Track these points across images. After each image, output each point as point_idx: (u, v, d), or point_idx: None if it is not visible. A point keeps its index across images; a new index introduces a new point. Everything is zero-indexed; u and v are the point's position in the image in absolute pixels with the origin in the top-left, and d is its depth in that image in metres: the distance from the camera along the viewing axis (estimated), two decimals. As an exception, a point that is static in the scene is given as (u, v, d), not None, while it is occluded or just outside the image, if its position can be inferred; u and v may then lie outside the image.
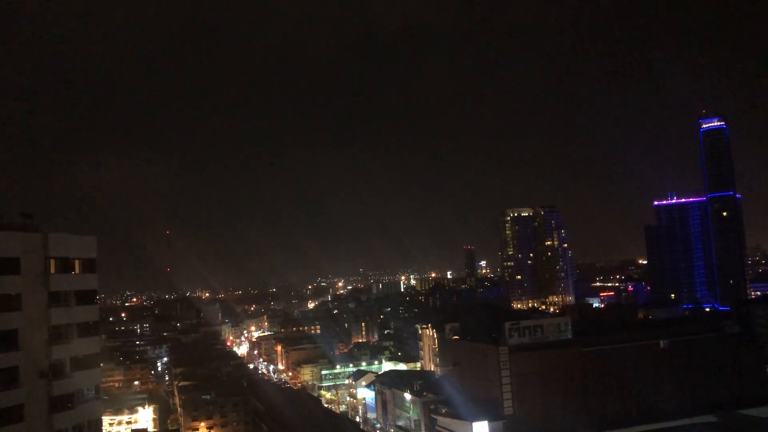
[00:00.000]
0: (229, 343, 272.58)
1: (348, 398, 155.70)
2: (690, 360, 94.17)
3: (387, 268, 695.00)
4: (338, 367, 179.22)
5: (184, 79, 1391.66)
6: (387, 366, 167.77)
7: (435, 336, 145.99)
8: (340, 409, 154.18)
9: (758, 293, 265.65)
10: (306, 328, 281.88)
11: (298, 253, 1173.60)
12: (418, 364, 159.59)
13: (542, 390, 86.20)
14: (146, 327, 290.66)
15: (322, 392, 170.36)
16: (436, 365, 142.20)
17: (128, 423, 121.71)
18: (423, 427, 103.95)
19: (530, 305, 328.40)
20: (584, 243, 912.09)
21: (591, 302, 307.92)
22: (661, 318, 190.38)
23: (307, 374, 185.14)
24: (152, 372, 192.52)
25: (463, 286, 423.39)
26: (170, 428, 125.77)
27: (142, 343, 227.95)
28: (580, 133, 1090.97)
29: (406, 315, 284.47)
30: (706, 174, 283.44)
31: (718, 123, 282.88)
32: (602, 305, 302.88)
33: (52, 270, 45.16)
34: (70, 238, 47.51)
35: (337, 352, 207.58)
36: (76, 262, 47.46)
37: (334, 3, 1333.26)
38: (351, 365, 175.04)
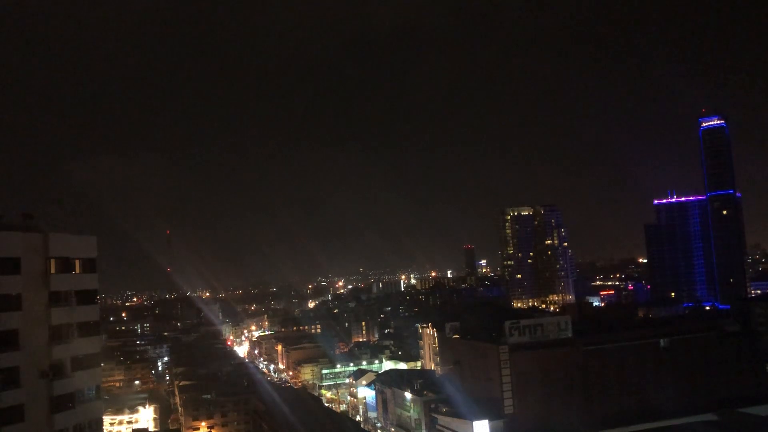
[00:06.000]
0: (229, 343, 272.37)
1: (348, 397, 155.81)
2: (690, 358, 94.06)
3: (387, 268, 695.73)
4: (339, 366, 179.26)
5: (183, 79, 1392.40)
6: (387, 365, 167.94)
7: (435, 335, 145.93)
8: (341, 409, 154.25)
9: (758, 291, 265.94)
10: (306, 327, 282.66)
11: (298, 253, 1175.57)
12: (419, 364, 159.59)
13: (542, 389, 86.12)
14: (147, 327, 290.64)
15: (323, 391, 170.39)
16: (436, 364, 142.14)
17: (129, 423, 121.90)
18: (423, 426, 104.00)
19: (530, 304, 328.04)
20: (584, 242, 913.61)
21: (591, 301, 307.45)
22: (662, 316, 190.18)
23: (307, 373, 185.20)
24: (153, 372, 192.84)
25: (463, 285, 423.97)
26: (171, 428, 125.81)
27: (142, 342, 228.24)
28: (580, 132, 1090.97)
29: (407, 314, 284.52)
30: (706, 172, 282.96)
31: (718, 121, 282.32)
32: (602, 304, 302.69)
33: (53, 270, 45.28)
34: (71, 238, 47.59)
35: (337, 352, 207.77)
36: (77, 262, 47.57)
37: (330, 3, 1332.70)
38: (351, 364, 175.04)
